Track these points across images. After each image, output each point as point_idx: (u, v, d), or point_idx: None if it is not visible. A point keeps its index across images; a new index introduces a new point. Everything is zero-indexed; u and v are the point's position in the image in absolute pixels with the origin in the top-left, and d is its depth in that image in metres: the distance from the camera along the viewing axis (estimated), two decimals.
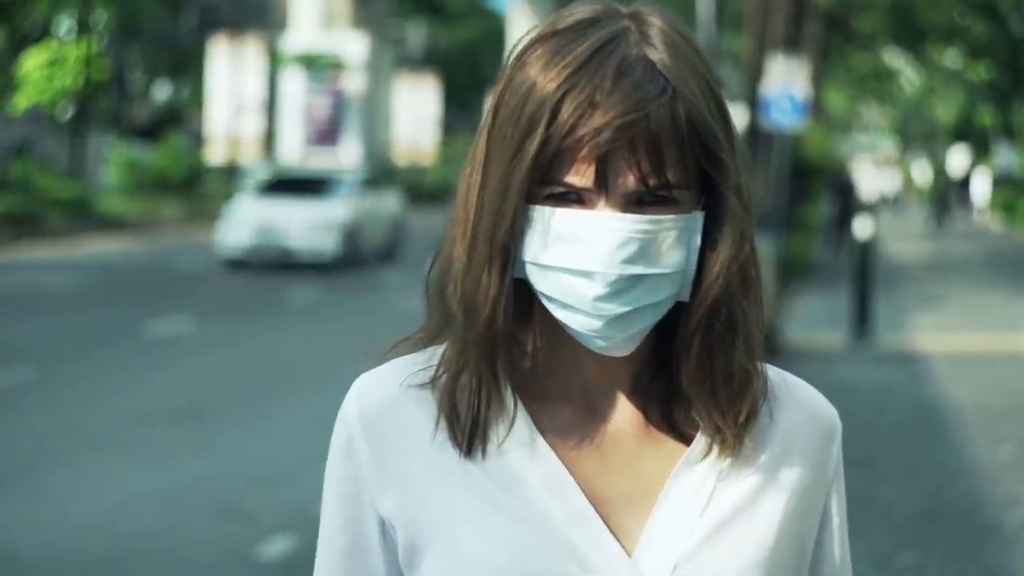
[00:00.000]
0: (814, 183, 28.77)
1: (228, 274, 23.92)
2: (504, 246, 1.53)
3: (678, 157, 1.50)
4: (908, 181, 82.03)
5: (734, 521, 1.57)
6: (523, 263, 1.54)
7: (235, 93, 47.72)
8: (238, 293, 21.11)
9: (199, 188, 38.21)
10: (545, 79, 1.51)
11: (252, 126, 48.20)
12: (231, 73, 47.97)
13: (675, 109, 1.49)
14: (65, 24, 45.64)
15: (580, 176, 1.50)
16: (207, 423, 11.17)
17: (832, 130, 54.73)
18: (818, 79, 37.29)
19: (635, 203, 1.50)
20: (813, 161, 27.55)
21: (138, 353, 14.94)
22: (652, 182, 1.50)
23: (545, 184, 1.51)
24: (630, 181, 1.49)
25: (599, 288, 1.50)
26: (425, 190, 48.45)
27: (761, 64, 22.62)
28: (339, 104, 50.52)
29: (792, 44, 24.15)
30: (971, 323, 18.55)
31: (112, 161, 37.94)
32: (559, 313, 1.54)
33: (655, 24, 1.54)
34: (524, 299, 1.56)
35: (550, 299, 1.54)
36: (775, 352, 15.42)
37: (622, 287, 1.50)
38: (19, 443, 10.39)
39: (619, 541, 1.55)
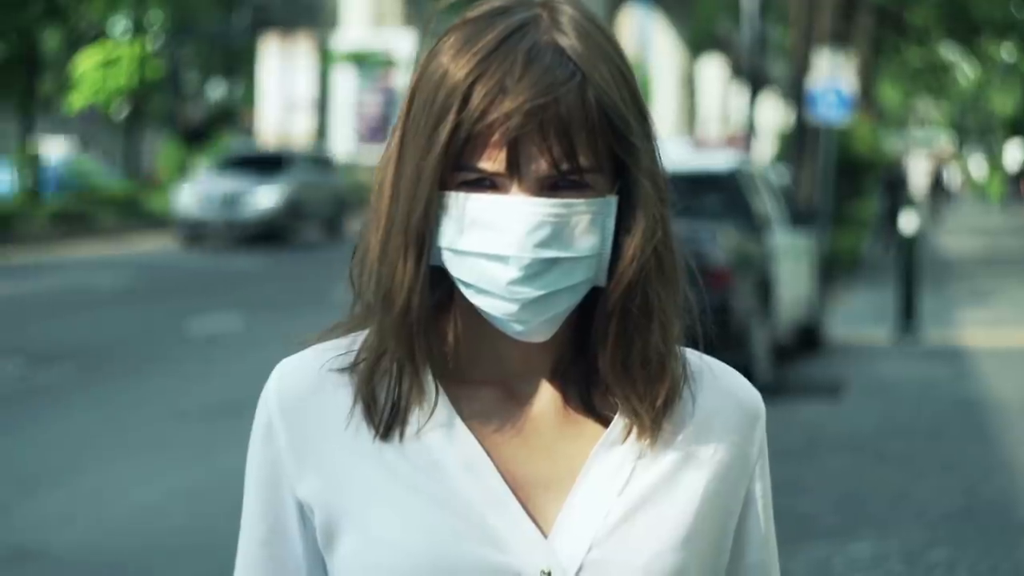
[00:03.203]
0: (864, 178, 28.58)
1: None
2: (419, 234, 1.53)
3: (589, 141, 1.51)
4: (966, 176, 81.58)
5: (651, 502, 1.57)
6: (439, 250, 1.55)
7: (286, 91, 47.94)
8: (285, 291, 21.20)
9: None
10: (456, 67, 1.52)
11: (303, 124, 48.39)
12: (282, 71, 48.19)
13: (585, 94, 1.51)
14: (120, 24, 45.97)
15: (492, 161, 1.51)
16: (245, 421, 11.19)
17: (887, 125, 54.40)
18: (870, 73, 37.05)
19: (548, 188, 1.51)
20: (862, 156, 27.37)
21: (181, 351, 15.04)
22: (564, 166, 1.51)
23: (459, 170, 1.52)
24: (542, 166, 1.50)
25: (513, 272, 1.51)
26: None
27: (807, 58, 22.49)
28: (390, 102, 50.61)
29: (841, 38, 24.02)
30: (1020, 318, 18.40)
31: (164, 160, 38.16)
32: (475, 298, 1.54)
33: (566, 12, 1.55)
34: (445, 286, 1.57)
35: (466, 285, 1.55)
36: (817, 347, 15.36)
37: (536, 271, 1.51)
38: (58, 441, 10.47)
39: (537, 524, 1.55)
